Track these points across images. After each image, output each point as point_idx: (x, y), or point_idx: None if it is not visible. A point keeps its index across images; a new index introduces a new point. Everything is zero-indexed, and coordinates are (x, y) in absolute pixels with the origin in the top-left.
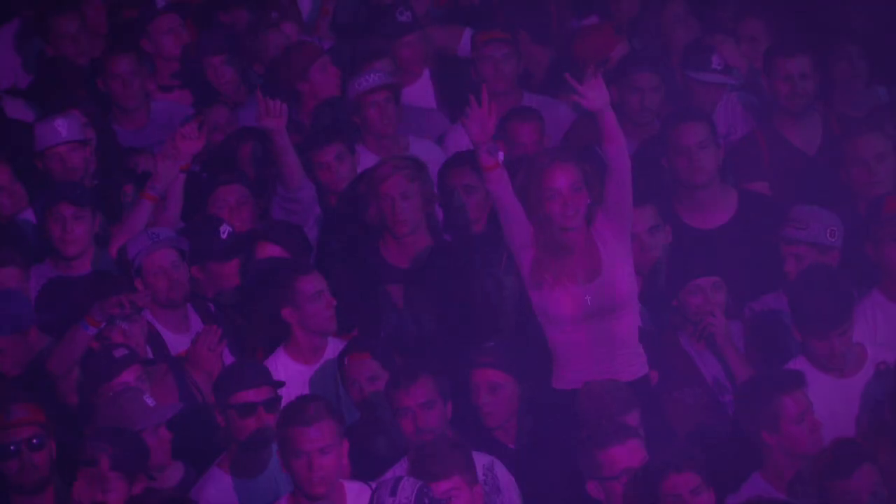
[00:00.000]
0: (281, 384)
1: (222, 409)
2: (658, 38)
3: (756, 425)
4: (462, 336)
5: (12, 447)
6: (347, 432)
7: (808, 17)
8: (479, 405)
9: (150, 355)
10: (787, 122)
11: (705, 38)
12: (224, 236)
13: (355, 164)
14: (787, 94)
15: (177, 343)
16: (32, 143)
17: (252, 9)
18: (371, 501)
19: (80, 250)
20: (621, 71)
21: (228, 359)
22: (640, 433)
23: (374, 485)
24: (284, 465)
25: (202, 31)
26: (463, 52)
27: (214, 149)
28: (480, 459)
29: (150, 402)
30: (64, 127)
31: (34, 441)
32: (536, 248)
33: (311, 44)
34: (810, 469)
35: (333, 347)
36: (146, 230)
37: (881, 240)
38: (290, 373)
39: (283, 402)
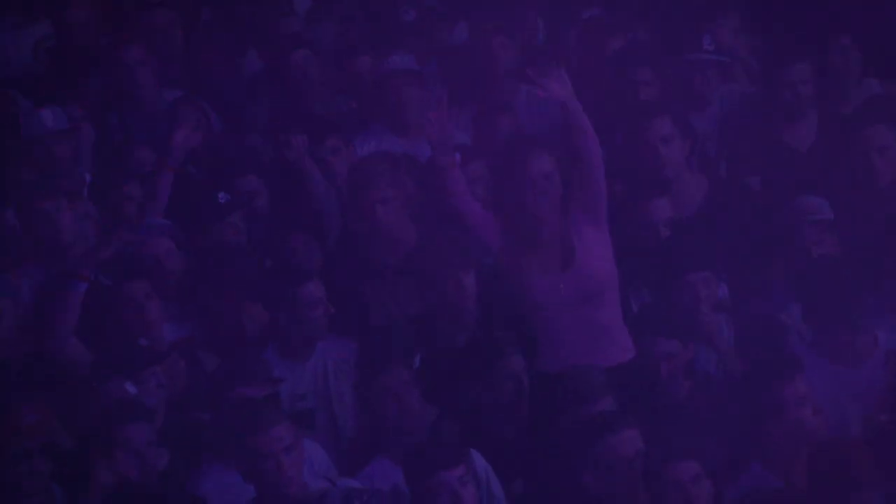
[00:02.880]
0: (281, 380)
1: (221, 402)
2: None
3: (759, 414)
4: (426, 333)
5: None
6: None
7: (801, 10)
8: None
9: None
10: (781, 119)
11: (700, 22)
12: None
13: (352, 157)
14: (789, 101)
15: (172, 331)
16: (19, 133)
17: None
18: None
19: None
20: (617, 65)
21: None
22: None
23: (340, 483)
24: (247, 476)
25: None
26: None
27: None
28: None
29: (131, 389)
30: (50, 117)
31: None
32: (511, 238)
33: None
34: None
35: (323, 345)
36: (144, 220)
37: None
38: (280, 371)
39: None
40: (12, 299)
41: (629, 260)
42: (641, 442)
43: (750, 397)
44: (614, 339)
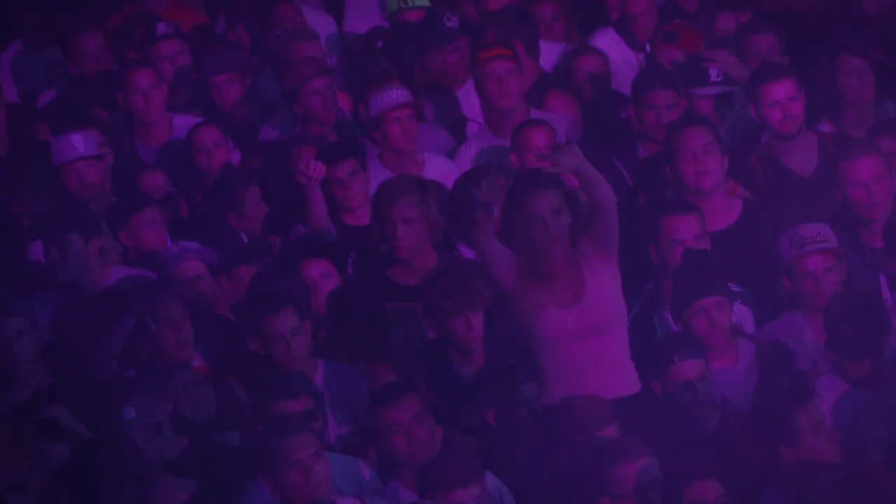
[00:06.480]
0: (321, 394)
1: (262, 417)
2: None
3: (773, 441)
4: (434, 365)
5: None
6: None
7: (813, 33)
8: None
9: None
10: (781, 144)
11: (703, 52)
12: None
13: (367, 180)
14: (778, 120)
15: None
16: (48, 159)
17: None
18: None
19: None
20: (636, 88)
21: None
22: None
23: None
24: (273, 486)
25: (205, 50)
26: None
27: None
28: None
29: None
30: (80, 142)
31: None
32: (519, 273)
33: (308, 63)
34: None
35: (322, 371)
36: (176, 243)
37: None
38: None
39: None
40: (31, 320)
41: (651, 280)
42: (658, 469)
43: (764, 424)
44: (621, 370)
